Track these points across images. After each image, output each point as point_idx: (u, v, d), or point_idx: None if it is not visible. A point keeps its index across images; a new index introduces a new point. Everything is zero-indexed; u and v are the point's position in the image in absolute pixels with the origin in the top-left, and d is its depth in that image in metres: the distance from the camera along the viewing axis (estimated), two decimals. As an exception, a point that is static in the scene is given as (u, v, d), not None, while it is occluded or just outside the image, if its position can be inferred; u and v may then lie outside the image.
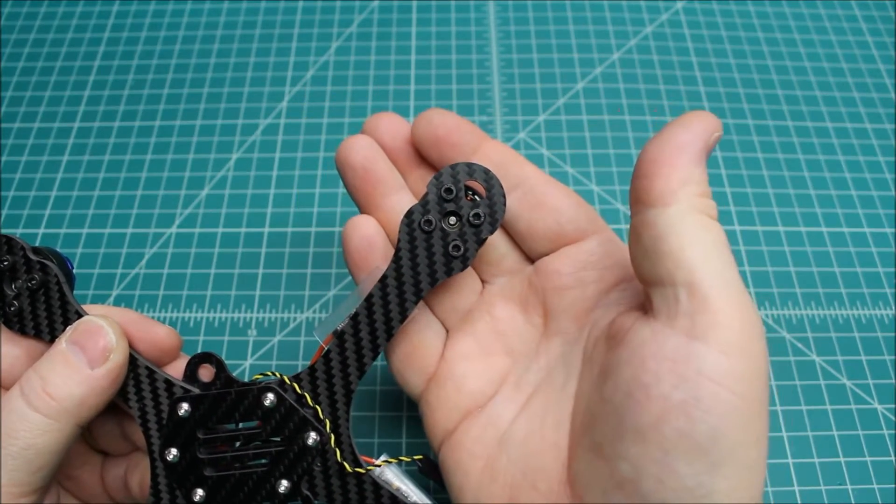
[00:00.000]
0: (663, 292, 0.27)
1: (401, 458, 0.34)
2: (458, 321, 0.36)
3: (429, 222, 0.32)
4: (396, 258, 0.32)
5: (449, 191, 0.32)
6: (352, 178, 0.36)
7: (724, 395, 0.24)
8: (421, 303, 0.33)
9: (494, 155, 0.35)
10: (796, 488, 0.43)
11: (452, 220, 0.32)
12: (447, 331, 0.36)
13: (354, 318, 0.32)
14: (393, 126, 0.37)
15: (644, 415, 0.26)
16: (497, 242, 0.35)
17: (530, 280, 0.34)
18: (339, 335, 0.33)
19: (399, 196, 0.36)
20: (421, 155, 0.37)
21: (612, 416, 0.27)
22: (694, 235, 0.26)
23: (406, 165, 0.37)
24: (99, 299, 0.50)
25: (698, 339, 0.25)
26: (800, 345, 0.48)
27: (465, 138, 0.35)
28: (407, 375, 0.35)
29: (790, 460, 0.44)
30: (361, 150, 0.36)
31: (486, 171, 0.32)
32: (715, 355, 0.25)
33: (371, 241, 0.35)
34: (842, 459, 0.44)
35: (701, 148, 0.28)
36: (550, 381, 0.32)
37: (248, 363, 0.47)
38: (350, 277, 0.50)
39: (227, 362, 0.46)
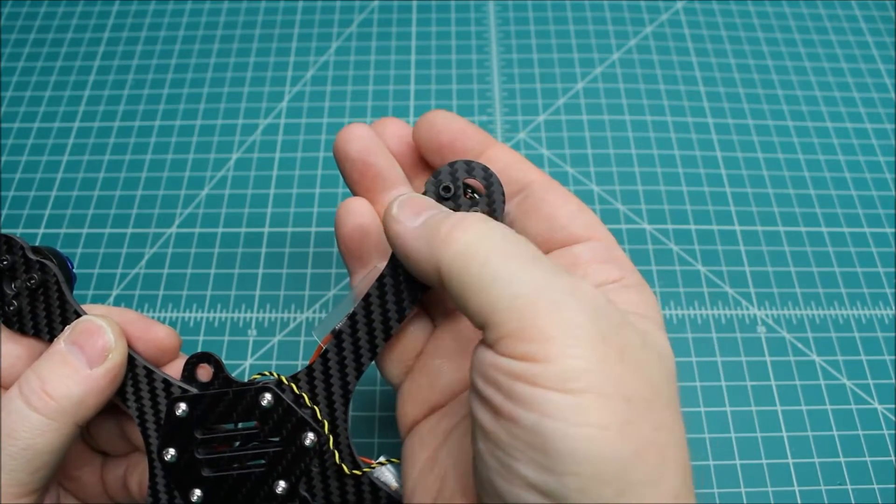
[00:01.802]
0: (485, 331, 0.26)
1: (396, 459, 0.34)
2: (445, 317, 0.35)
3: None
4: (394, 257, 0.32)
5: (447, 189, 0.31)
6: (350, 171, 0.36)
7: (540, 393, 0.24)
8: None
9: (498, 159, 0.34)
10: (796, 488, 0.43)
11: None
12: (434, 326, 0.35)
13: (352, 318, 0.32)
14: (397, 131, 0.36)
15: (481, 414, 0.26)
16: None
17: None
18: (337, 335, 0.32)
19: (399, 190, 0.35)
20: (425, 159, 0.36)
21: (472, 420, 0.27)
22: (460, 267, 0.26)
23: (411, 169, 0.36)
24: (99, 299, 0.50)
25: (511, 356, 0.25)
26: (800, 345, 0.48)
27: (469, 144, 0.34)
28: (388, 367, 0.35)
29: (790, 460, 0.44)
30: (360, 141, 0.35)
31: (486, 169, 0.31)
32: (517, 363, 0.24)
33: (365, 230, 0.35)
34: (842, 459, 0.44)
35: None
36: None
37: (248, 363, 0.47)
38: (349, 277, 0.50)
39: (227, 362, 0.46)
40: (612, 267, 0.31)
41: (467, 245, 0.27)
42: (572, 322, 0.25)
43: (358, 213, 0.35)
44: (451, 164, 0.32)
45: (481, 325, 0.26)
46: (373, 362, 0.33)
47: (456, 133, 0.34)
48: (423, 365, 0.34)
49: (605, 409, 0.24)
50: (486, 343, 0.26)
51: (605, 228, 0.33)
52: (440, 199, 0.32)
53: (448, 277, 0.27)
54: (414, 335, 0.35)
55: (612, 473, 0.23)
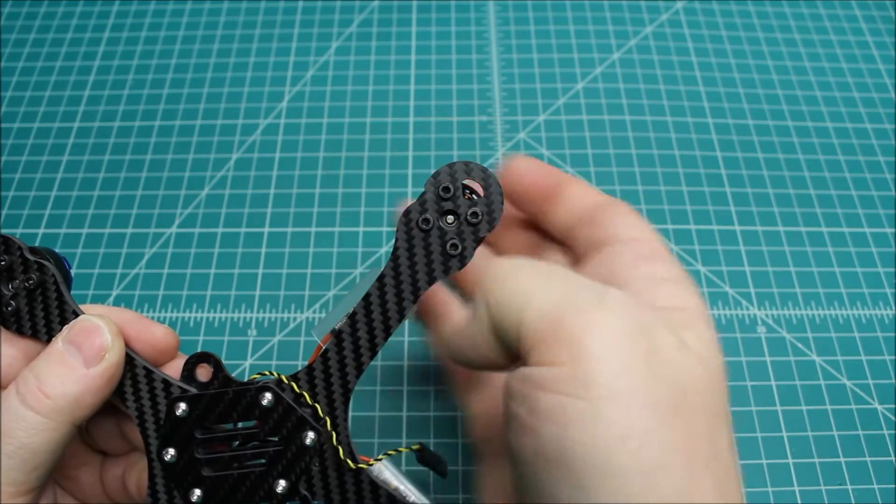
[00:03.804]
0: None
1: (399, 448, 0.35)
2: None
3: (426, 221, 0.32)
4: (394, 257, 0.32)
5: (447, 189, 0.32)
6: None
7: (558, 401, 0.24)
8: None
9: (581, 196, 0.35)
10: (796, 488, 0.43)
11: (450, 218, 0.32)
12: None
13: (352, 317, 0.32)
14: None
15: (511, 436, 0.26)
16: (560, 260, 0.36)
17: None
18: (336, 335, 0.33)
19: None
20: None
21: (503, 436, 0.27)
22: (511, 291, 0.27)
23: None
24: (99, 299, 0.50)
25: (532, 364, 0.25)
26: (800, 345, 0.48)
27: (544, 184, 0.35)
28: (462, 398, 0.37)
29: (790, 460, 0.44)
30: None
31: (484, 170, 0.32)
32: (542, 369, 0.25)
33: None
34: (842, 459, 0.44)
35: None
36: None
37: (247, 363, 0.47)
38: (350, 277, 0.50)
39: (227, 362, 0.46)
40: (655, 263, 0.31)
41: (498, 271, 0.29)
42: (596, 324, 0.25)
43: None
44: (451, 165, 0.32)
45: (516, 343, 0.26)
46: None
47: (535, 177, 0.35)
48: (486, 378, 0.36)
49: (627, 417, 0.23)
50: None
51: (648, 227, 0.33)
52: (439, 200, 0.32)
53: (493, 312, 0.28)
54: None
55: (640, 487, 0.23)
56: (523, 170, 0.35)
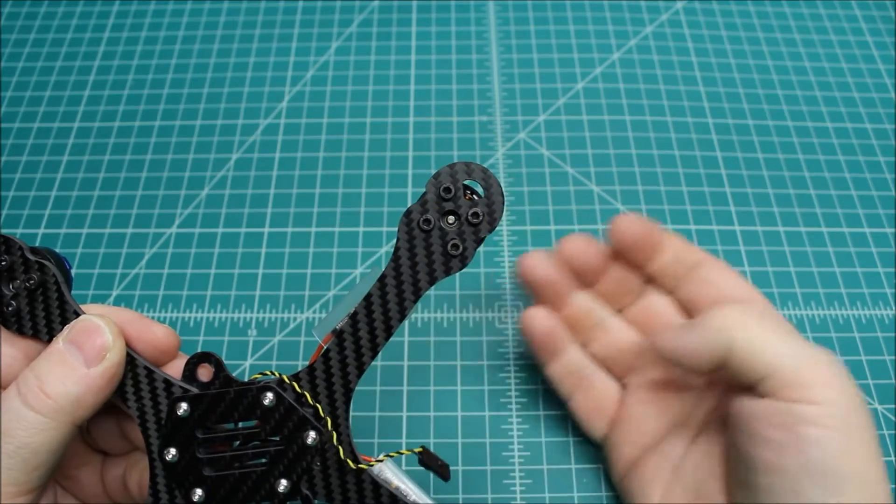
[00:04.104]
0: (762, 383, 0.33)
1: (400, 451, 0.35)
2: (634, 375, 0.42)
3: (427, 221, 0.32)
4: (395, 257, 0.32)
5: (448, 190, 0.32)
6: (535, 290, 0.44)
7: (819, 432, 0.31)
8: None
9: (682, 256, 0.42)
10: (796, 488, 0.43)
11: (451, 219, 0.32)
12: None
13: (353, 317, 0.32)
14: (579, 247, 0.43)
15: (766, 453, 0.33)
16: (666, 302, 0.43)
17: None
18: (338, 334, 0.33)
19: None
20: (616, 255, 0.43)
21: (747, 459, 0.34)
22: (760, 336, 0.34)
23: (598, 276, 0.43)
24: (99, 299, 0.50)
25: (793, 401, 0.32)
26: (800, 345, 0.48)
27: (649, 241, 0.41)
28: (591, 421, 0.42)
29: (790, 460, 0.44)
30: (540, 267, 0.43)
31: (485, 171, 0.32)
32: (806, 407, 0.32)
33: (550, 330, 0.43)
34: (842, 459, 0.44)
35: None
36: (710, 420, 0.39)
37: (248, 363, 0.47)
38: (349, 277, 0.50)
39: (227, 362, 0.46)
40: (771, 317, 0.37)
41: (743, 316, 0.35)
42: (831, 373, 0.33)
43: (541, 318, 0.43)
44: (451, 166, 0.32)
45: (759, 379, 0.33)
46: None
47: (641, 232, 0.41)
48: (626, 413, 0.41)
49: (857, 438, 0.32)
50: (760, 393, 0.33)
51: (749, 283, 0.41)
52: (440, 200, 0.32)
53: (740, 347, 0.34)
54: (609, 391, 0.43)
55: (866, 483, 0.31)
56: (628, 226, 0.41)
